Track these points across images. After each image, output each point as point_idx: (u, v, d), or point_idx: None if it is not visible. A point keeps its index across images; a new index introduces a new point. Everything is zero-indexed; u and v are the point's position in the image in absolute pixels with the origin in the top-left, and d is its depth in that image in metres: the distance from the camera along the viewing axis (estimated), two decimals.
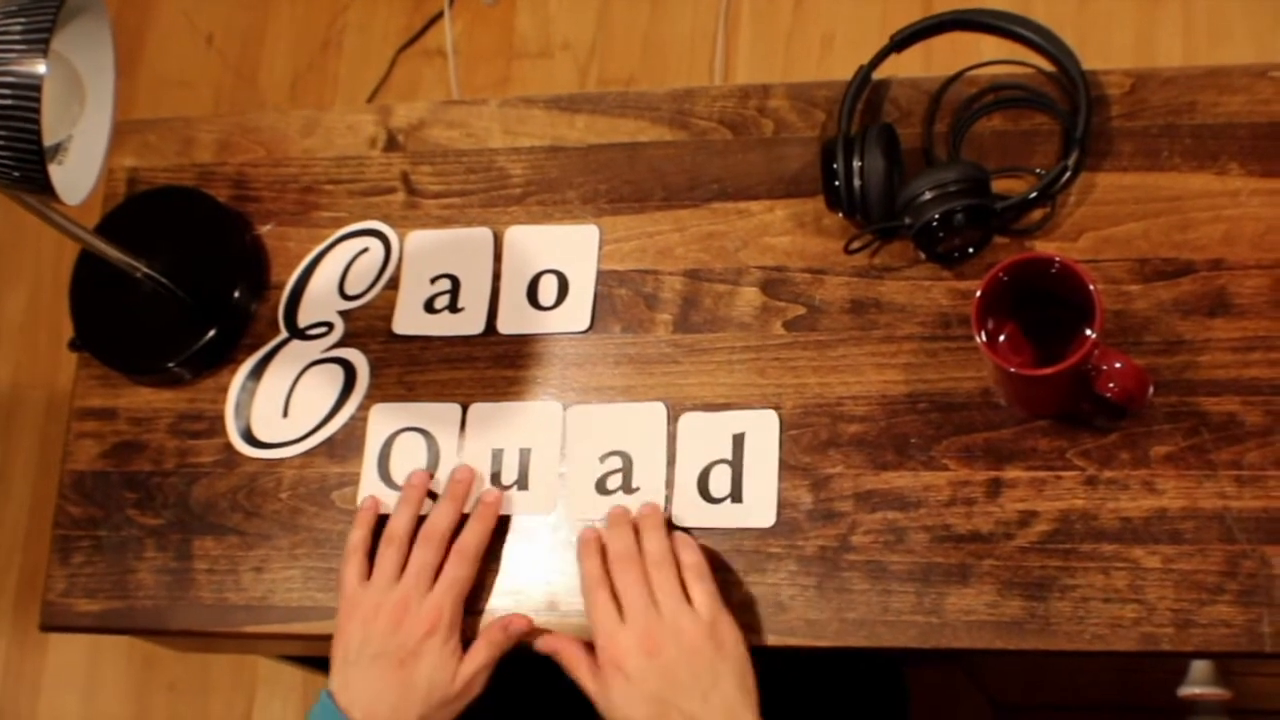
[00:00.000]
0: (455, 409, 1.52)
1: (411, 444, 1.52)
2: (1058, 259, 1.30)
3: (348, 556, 1.43)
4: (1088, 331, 1.29)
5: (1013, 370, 1.30)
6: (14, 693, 2.77)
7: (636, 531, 1.39)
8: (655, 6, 2.89)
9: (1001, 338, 1.37)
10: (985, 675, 1.68)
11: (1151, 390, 1.33)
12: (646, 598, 1.34)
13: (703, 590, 1.34)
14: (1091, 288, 1.27)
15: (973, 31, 1.49)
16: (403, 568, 1.41)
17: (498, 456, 1.50)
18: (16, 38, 1.21)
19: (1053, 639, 1.32)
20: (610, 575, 1.37)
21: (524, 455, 1.49)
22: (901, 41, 1.49)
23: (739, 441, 1.45)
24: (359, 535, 1.44)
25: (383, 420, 1.53)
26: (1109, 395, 1.31)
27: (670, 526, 1.41)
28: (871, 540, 1.38)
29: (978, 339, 1.30)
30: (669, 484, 1.45)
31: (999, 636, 1.34)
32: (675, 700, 1.29)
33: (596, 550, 1.39)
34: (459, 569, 1.40)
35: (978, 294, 1.31)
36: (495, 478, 1.49)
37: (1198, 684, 1.54)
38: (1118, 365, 1.29)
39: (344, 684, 1.37)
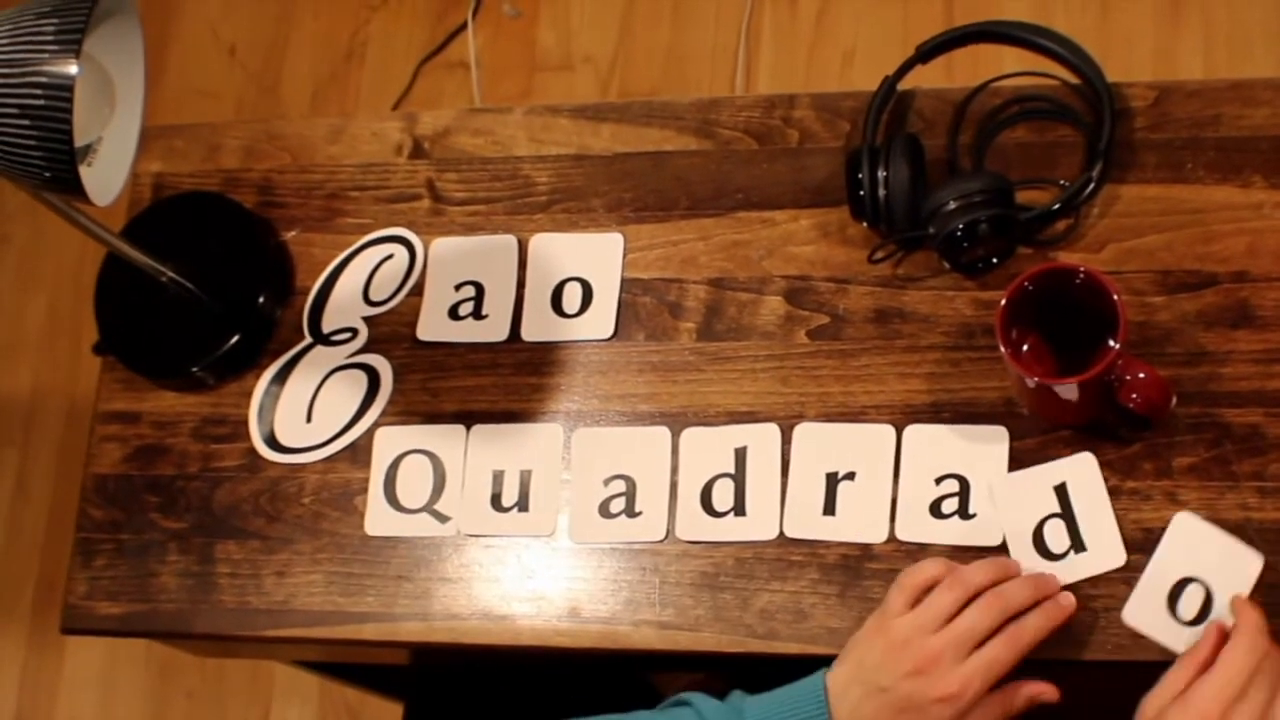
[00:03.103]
0: (460, 430, 1.52)
1: (417, 466, 1.53)
2: (1082, 269, 1.30)
3: (908, 580, 1.31)
4: (1111, 342, 1.29)
5: (1036, 380, 1.31)
6: (32, 698, 2.78)
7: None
8: (677, 21, 2.90)
9: (1025, 347, 1.37)
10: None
11: (1174, 401, 1.34)
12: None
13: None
14: (1115, 298, 1.27)
15: (998, 43, 1.49)
16: (952, 618, 1.28)
17: (499, 478, 1.50)
18: (49, 38, 1.22)
19: (1075, 648, 1.32)
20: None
21: (525, 477, 1.50)
22: (927, 53, 1.50)
23: (741, 456, 1.45)
24: (938, 569, 1.32)
25: (388, 443, 1.54)
26: (1132, 406, 1.31)
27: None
28: (894, 549, 1.39)
29: (1002, 348, 1.30)
30: (672, 499, 1.45)
31: None
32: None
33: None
34: (1005, 651, 1.26)
35: (1002, 303, 1.31)
36: (496, 499, 1.49)
37: None
38: (1141, 376, 1.29)
39: (843, 690, 1.28)
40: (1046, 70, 1.49)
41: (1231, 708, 1.19)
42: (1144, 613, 1.31)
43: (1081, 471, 1.37)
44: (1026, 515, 1.37)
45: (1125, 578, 1.32)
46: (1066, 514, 1.36)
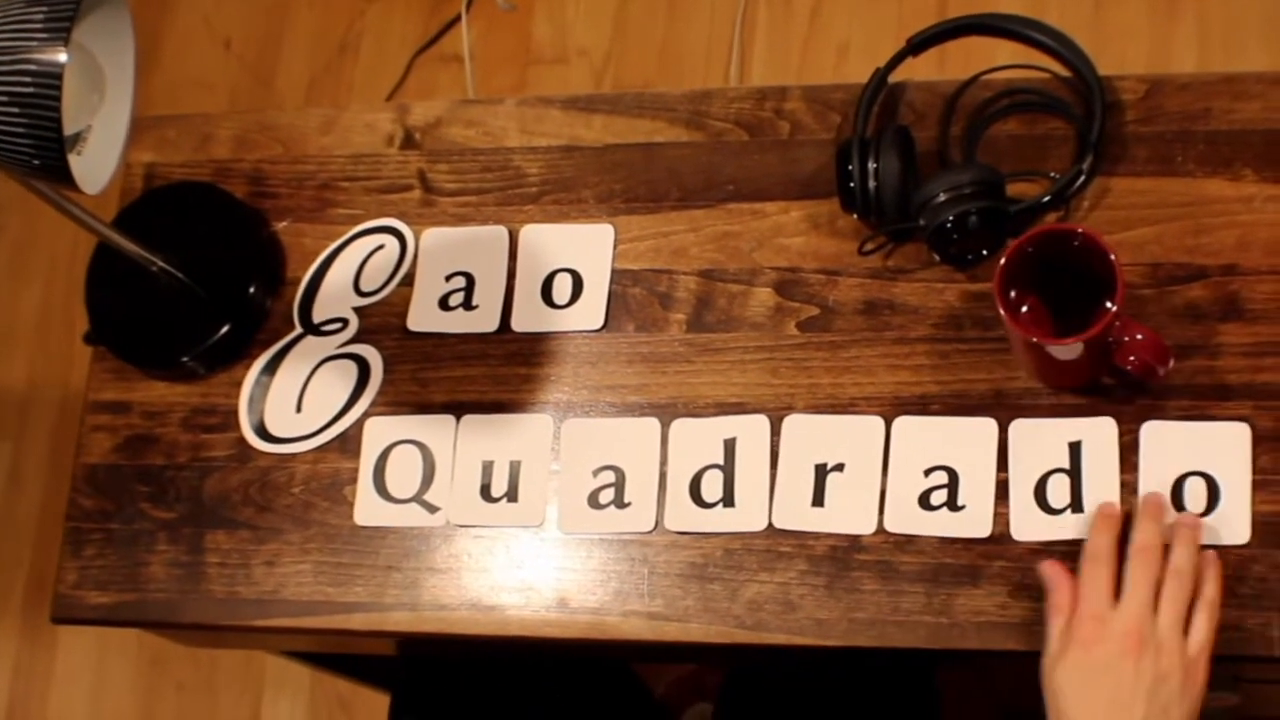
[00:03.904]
0: (449, 420, 1.53)
1: (407, 456, 1.53)
2: (1080, 230, 1.30)
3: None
4: (1108, 304, 1.29)
5: (1034, 340, 1.31)
6: (24, 691, 2.77)
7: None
8: (671, 14, 2.90)
9: (1024, 309, 1.37)
10: (996, 679, 1.68)
11: (1171, 363, 1.34)
12: (1151, 601, 1.24)
13: (1206, 625, 1.25)
14: (1112, 258, 1.28)
15: (990, 36, 1.49)
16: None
17: (488, 468, 1.50)
18: (38, 26, 1.22)
19: None
20: (1124, 558, 1.28)
21: (514, 467, 1.50)
22: (918, 45, 1.50)
23: (730, 447, 1.45)
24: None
25: (378, 433, 1.54)
26: (1129, 367, 1.32)
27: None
28: (882, 540, 1.39)
29: (999, 310, 1.30)
30: (661, 490, 1.46)
31: (1009, 638, 1.34)
32: (1117, 712, 1.21)
33: (1115, 527, 1.30)
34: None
35: (1000, 263, 1.31)
36: (485, 489, 1.50)
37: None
38: (1139, 337, 1.29)
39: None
40: (1038, 63, 1.49)
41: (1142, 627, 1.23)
42: None
43: (1099, 434, 1.37)
44: (1035, 463, 1.38)
45: None
46: (1074, 472, 1.37)
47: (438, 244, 1.59)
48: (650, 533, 1.44)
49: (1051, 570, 1.29)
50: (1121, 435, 1.36)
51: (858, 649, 1.37)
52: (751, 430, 1.44)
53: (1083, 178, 1.44)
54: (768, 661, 1.42)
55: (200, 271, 1.60)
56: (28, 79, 1.22)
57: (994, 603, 1.35)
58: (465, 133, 1.63)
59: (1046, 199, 1.43)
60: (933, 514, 1.38)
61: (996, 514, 1.37)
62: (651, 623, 1.42)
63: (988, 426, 1.40)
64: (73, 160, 1.28)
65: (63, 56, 1.22)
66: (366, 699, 2.58)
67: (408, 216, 1.61)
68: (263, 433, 1.56)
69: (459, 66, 2.96)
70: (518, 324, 1.54)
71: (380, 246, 1.60)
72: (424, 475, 1.51)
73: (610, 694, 1.78)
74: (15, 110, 1.22)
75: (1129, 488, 1.34)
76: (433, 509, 1.50)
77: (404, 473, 1.52)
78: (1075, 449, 1.37)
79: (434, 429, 1.52)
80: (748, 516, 1.42)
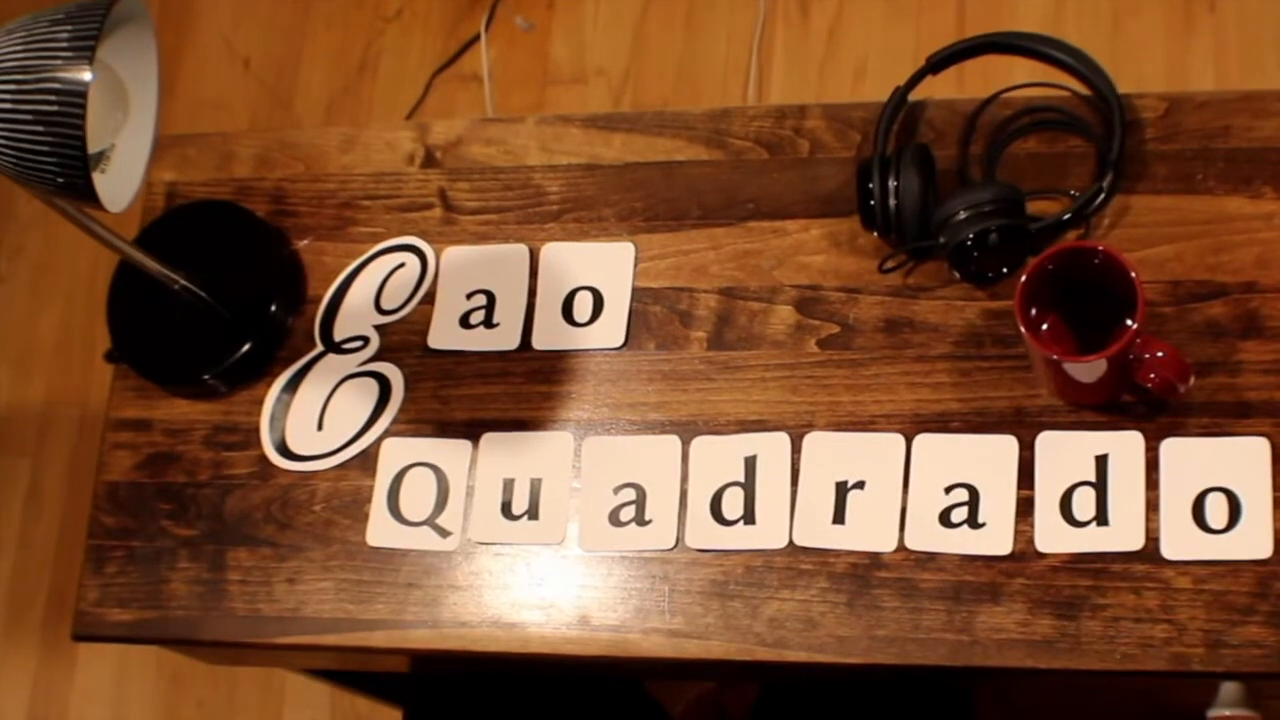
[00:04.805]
0: (466, 444, 1.53)
1: (421, 479, 1.53)
2: (1101, 248, 1.31)
3: None
4: (1129, 322, 1.29)
5: (1055, 357, 1.31)
6: (43, 709, 2.78)
7: None
8: (689, 35, 2.90)
9: (1044, 327, 1.37)
10: (1011, 695, 1.68)
11: (1192, 380, 1.34)
12: None
13: None
14: (1133, 275, 1.28)
15: (1009, 54, 1.49)
16: None
17: (509, 486, 1.50)
18: (63, 45, 1.23)
19: (1083, 658, 1.32)
20: None
21: (535, 485, 1.50)
22: (938, 63, 1.50)
23: (751, 464, 1.45)
24: None
25: (394, 454, 1.54)
26: (1149, 385, 1.32)
27: None
28: (903, 558, 1.39)
29: (1021, 327, 1.31)
30: (682, 508, 1.46)
31: (1030, 655, 1.34)
32: None
33: None
34: None
35: (1021, 280, 1.31)
36: (506, 507, 1.50)
37: (1227, 706, 1.53)
38: (1159, 354, 1.30)
39: None
40: (1057, 81, 1.49)
41: None
42: None
43: (1126, 448, 1.37)
44: (1062, 475, 1.38)
45: (1133, 587, 1.33)
46: (1100, 485, 1.36)
47: (458, 262, 1.60)
48: (671, 550, 1.44)
49: None
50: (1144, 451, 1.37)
51: (880, 668, 1.38)
52: (772, 448, 1.45)
53: (1103, 196, 1.44)
54: (800, 680, 1.42)
55: (222, 290, 1.60)
56: (53, 97, 1.23)
57: (1014, 620, 1.35)
58: (486, 151, 1.64)
59: (1067, 217, 1.44)
60: (953, 531, 1.38)
61: (1017, 531, 1.37)
62: (672, 640, 1.42)
63: (1008, 444, 1.40)
64: (97, 179, 1.29)
65: (87, 75, 1.23)
66: (385, 716, 2.58)
67: (429, 235, 1.61)
68: (284, 450, 1.57)
69: (478, 86, 2.96)
70: (538, 342, 1.55)
71: (401, 265, 1.61)
72: (438, 499, 1.51)
73: (626, 713, 1.78)
74: (40, 129, 1.23)
75: (1151, 504, 1.34)
76: (444, 533, 1.50)
77: (418, 495, 1.52)
78: (1102, 462, 1.37)
79: (450, 452, 1.52)
80: (769, 534, 1.42)
